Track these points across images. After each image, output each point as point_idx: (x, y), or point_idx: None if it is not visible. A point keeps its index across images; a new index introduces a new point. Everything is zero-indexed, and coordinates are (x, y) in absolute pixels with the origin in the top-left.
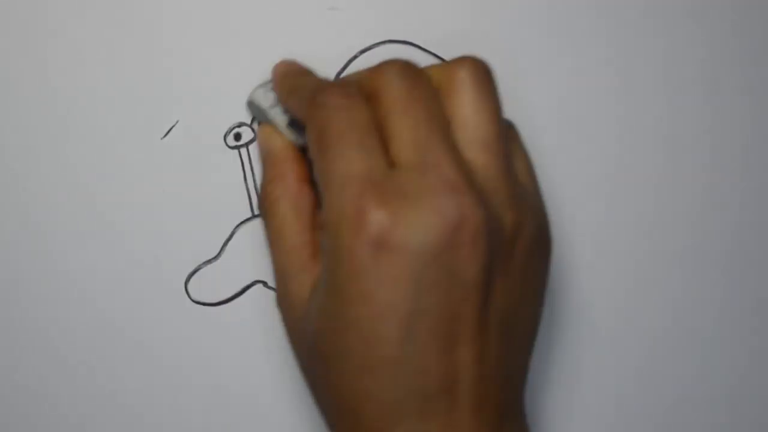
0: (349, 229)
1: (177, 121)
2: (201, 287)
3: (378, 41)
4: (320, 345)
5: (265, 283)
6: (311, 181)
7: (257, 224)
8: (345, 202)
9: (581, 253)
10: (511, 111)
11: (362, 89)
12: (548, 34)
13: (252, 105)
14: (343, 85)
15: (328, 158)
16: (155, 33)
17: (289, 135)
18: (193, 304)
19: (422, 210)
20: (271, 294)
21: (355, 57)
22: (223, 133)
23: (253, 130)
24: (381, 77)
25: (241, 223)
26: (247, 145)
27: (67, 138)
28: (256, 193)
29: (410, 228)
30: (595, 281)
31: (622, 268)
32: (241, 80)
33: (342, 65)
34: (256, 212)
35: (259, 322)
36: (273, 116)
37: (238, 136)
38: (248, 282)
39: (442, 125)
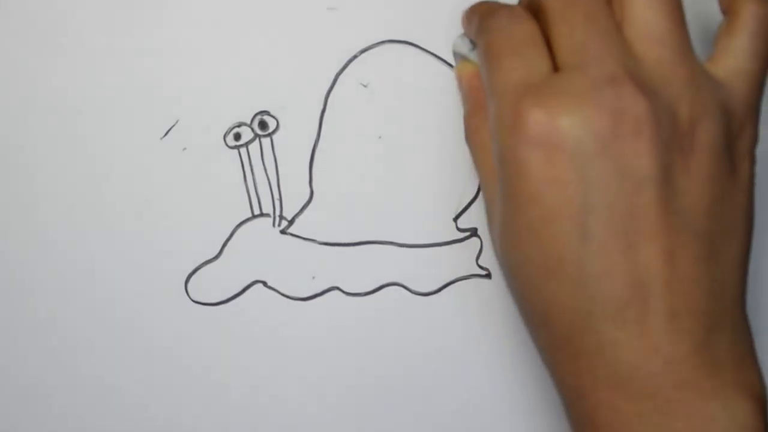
0: (509, 132)
1: (177, 121)
2: (201, 287)
3: (378, 41)
4: (504, 254)
5: (265, 283)
6: None
7: (257, 224)
8: (504, 108)
9: None
10: None
11: (531, 5)
12: None
13: (456, 54)
14: (511, 6)
15: (491, 72)
16: (155, 33)
17: None
18: (193, 304)
19: (580, 105)
20: (272, 294)
21: (354, 57)
22: (223, 133)
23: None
24: None
25: (241, 223)
26: (246, 144)
27: (67, 138)
28: (256, 193)
29: (568, 124)
30: None
31: None
32: (241, 80)
33: (342, 65)
34: (256, 212)
35: (259, 322)
36: (473, 59)
37: (237, 136)
38: (248, 282)
39: (604, 24)
